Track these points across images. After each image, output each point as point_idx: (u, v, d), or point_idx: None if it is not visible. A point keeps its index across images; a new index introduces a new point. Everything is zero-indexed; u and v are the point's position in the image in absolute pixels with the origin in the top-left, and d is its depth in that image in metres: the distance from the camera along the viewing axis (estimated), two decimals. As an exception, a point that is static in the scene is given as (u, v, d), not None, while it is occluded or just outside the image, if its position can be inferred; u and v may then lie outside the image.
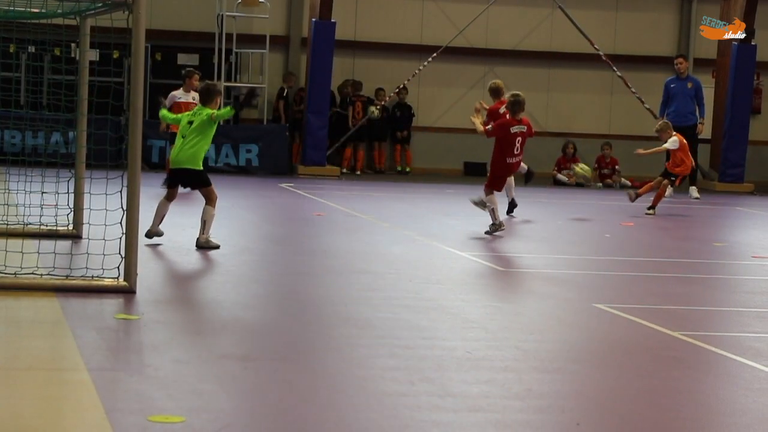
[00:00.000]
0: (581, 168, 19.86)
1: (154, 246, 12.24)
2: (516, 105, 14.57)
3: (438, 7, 26.12)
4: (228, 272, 11.13)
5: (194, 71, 18.88)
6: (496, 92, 16.89)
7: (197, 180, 12.38)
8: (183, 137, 12.29)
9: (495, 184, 14.67)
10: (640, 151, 19.14)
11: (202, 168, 12.36)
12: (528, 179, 17.49)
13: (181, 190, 12.68)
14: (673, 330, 8.95)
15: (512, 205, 16.97)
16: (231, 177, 22.05)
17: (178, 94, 18.53)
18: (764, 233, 17.49)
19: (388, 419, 6.27)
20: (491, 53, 26.26)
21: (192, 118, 12.37)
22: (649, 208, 18.35)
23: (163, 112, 13.47)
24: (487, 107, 16.59)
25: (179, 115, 12.92)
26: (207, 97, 12.49)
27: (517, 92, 14.86)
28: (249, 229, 15.02)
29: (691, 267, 13.05)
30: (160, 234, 12.41)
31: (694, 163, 19.10)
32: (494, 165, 14.81)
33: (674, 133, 18.64)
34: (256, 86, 13.26)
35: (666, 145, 18.50)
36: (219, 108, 12.53)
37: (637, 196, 18.68)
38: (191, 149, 12.23)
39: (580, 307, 9.97)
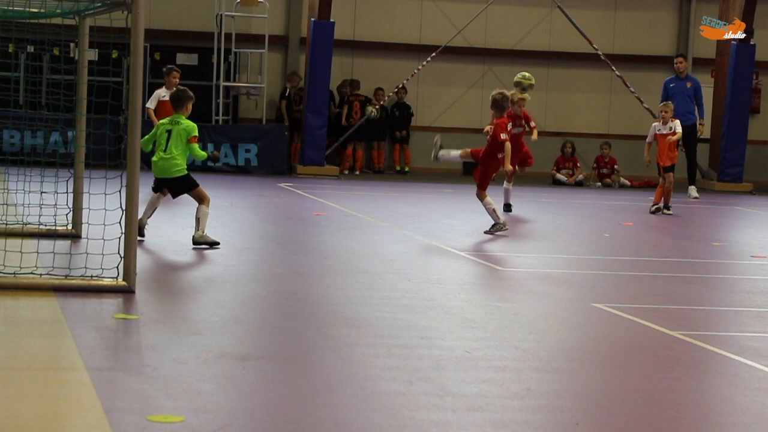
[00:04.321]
0: (523, 76, 17.86)
1: (153, 246, 12.25)
2: (505, 101, 14.75)
3: (437, 7, 26.12)
4: (227, 272, 11.13)
5: (174, 68, 18.89)
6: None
7: (183, 186, 12.38)
8: (163, 149, 12.27)
9: (486, 183, 14.67)
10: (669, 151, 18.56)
11: (186, 172, 12.35)
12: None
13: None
14: (672, 330, 8.95)
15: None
16: (230, 176, 22.07)
17: (162, 93, 18.55)
18: (763, 233, 17.49)
19: (387, 419, 6.27)
20: (490, 53, 26.27)
21: (170, 128, 12.36)
22: (666, 207, 18.29)
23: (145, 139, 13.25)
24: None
25: (156, 128, 12.74)
26: (177, 103, 12.54)
27: (501, 90, 15.08)
28: (248, 229, 15.02)
29: (690, 267, 13.05)
30: (143, 227, 12.28)
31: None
32: (486, 161, 14.73)
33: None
34: (218, 159, 13.63)
35: (678, 130, 18.21)
36: (189, 112, 12.51)
37: (666, 207, 18.36)
38: (173, 160, 12.24)
39: (579, 307, 9.97)
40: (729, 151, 24.83)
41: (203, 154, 12.54)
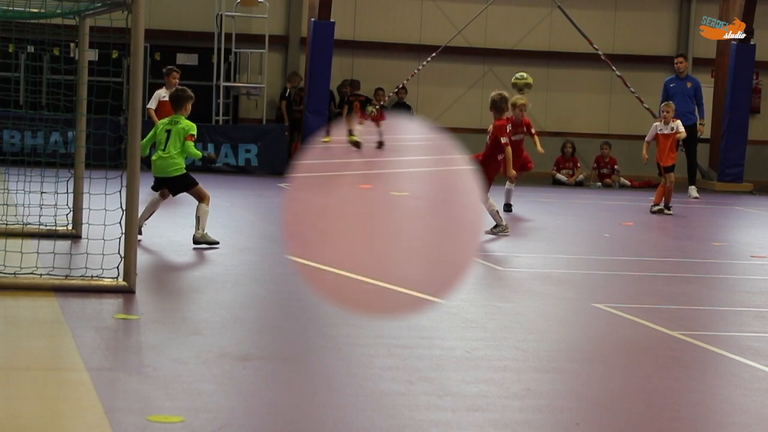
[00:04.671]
0: (521, 76, 18.12)
1: (153, 246, 12.24)
2: (504, 102, 14.72)
3: (437, 7, 26.12)
4: (227, 272, 11.13)
5: (174, 69, 18.92)
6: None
7: (182, 184, 12.38)
8: (162, 149, 12.27)
9: (488, 186, 14.65)
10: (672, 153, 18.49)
11: (185, 171, 12.35)
12: None
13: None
14: (673, 330, 8.95)
15: None
16: (230, 176, 22.06)
17: (162, 93, 18.58)
18: (763, 233, 17.50)
19: (387, 419, 6.27)
20: (490, 53, 26.27)
21: (169, 127, 12.36)
22: (666, 207, 18.28)
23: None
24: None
25: (155, 128, 12.71)
26: (177, 103, 12.55)
27: (500, 91, 15.05)
28: (248, 229, 15.02)
29: (690, 267, 13.05)
30: (140, 228, 12.24)
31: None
32: (487, 164, 14.72)
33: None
34: (215, 161, 13.82)
35: (681, 129, 18.24)
36: (188, 112, 12.50)
37: (667, 207, 18.33)
38: (171, 159, 12.25)
39: (579, 307, 9.97)
40: (729, 151, 24.83)
41: (198, 153, 12.54)
